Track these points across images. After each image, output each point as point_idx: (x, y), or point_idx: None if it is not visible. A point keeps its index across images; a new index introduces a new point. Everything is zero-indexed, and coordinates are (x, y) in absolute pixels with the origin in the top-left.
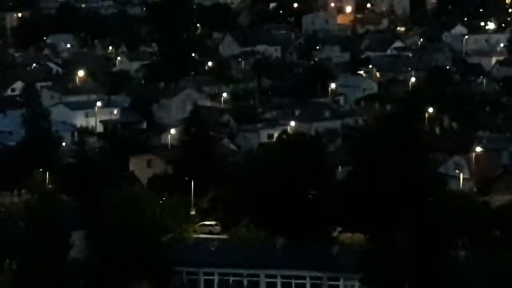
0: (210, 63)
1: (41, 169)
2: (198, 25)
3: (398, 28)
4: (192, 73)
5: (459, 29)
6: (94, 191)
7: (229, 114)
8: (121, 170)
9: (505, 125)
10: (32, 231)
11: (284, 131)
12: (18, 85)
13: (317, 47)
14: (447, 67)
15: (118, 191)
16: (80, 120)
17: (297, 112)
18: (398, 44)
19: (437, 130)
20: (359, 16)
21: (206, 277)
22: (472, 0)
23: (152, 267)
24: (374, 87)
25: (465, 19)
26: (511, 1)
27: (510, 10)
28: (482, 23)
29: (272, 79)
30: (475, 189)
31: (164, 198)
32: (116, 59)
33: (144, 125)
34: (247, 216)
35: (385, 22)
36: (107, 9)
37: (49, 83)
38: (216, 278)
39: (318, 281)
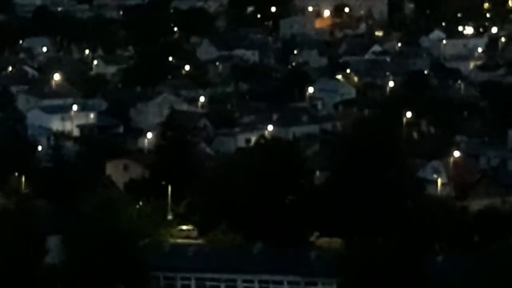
0: (187, 67)
1: (16, 174)
2: (175, 29)
3: (376, 33)
4: (169, 77)
5: (437, 33)
6: (70, 195)
7: (206, 119)
8: (97, 174)
9: (483, 130)
10: (7, 236)
11: (262, 136)
12: None
13: (295, 52)
14: (425, 72)
15: (95, 195)
16: (56, 124)
17: (274, 117)
18: (376, 48)
19: (415, 134)
20: (337, 20)
21: (183, 282)
22: (450, 5)
23: (128, 272)
24: (352, 92)
25: (443, 23)
26: (488, 6)
27: (488, 15)
28: (460, 28)
29: (250, 83)
30: (453, 194)
31: (140, 203)
32: (92, 63)
33: (121, 129)
34: (224, 221)
35: (363, 27)
36: (83, 12)
37: (25, 87)
38: (193, 283)
39: (295, 286)
